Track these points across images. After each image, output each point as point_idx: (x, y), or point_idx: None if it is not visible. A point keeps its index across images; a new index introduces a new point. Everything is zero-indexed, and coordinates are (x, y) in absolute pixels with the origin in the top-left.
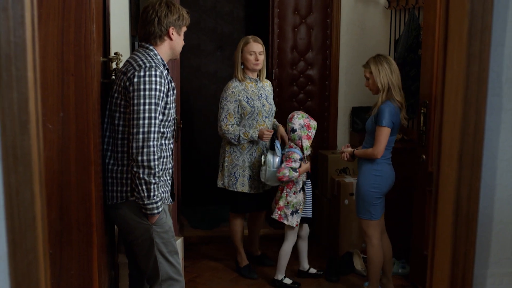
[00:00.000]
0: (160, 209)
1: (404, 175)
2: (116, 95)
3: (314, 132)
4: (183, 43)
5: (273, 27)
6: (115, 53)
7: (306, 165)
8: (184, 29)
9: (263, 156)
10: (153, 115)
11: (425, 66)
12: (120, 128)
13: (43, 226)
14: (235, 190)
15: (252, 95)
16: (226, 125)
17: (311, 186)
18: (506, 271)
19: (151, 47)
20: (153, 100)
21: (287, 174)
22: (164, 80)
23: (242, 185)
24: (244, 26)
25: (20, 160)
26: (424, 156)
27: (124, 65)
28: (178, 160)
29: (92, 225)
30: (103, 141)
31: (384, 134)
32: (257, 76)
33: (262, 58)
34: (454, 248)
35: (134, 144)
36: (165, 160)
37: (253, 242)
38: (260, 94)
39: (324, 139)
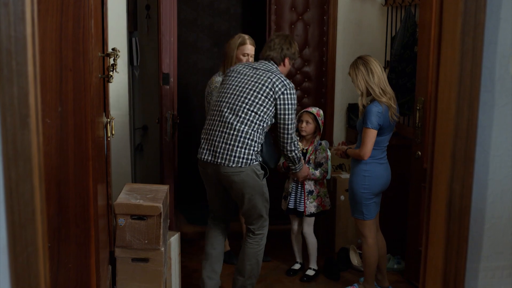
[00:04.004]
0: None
1: (399, 172)
2: (264, 96)
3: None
4: (288, 69)
5: (270, 24)
6: (113, 49)
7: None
8: (293, 61)
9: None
10: (293, 121)
11: (420, 63)
12: (261, 117)
13: (42, 219)
14: None
15: None
16: None
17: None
18: (498, 265)
19: (278, 69)
20: (293, 111)
21: None
22: None
23: None
24: (240, 23)
25: (20, 154)
26: (419, 153)
27: (265, 74)
28: (175, 155)
29: (89, 220)
30: (240, 121)
31: (369, 136)
32: None
33: (251, 60)
34: (447, 243)
35: (285, 141)
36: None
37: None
38: None
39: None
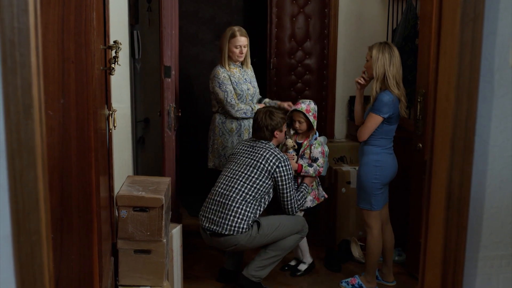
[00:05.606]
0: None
1: (400, 164)
2: (260, 170)
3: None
4: (284, 135)
5: (271, 17)
6: (115, 41)
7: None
8: (284, 126)
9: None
10: (292, 188)
11: (421, 55)
12: (256, 189)
13: (46, 209)
14: None
15: (238, 80)
16: (237, 104)
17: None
18: (497, 254)
19: (272, 144)
20: (291, 180)
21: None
22: None
23: None
24: (242, 15)
25: (24, 144)
26: (420, 145)
27: (264, 149)
28: (177, 148)
29: (92, 211)
30: (237, 187)
31: (372, 121)
32: (239, 62)
33: (246, 50)
34: (446, 233)
35: (288, 207)
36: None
37: None
38: (245, 78)
39: (321, 128)
